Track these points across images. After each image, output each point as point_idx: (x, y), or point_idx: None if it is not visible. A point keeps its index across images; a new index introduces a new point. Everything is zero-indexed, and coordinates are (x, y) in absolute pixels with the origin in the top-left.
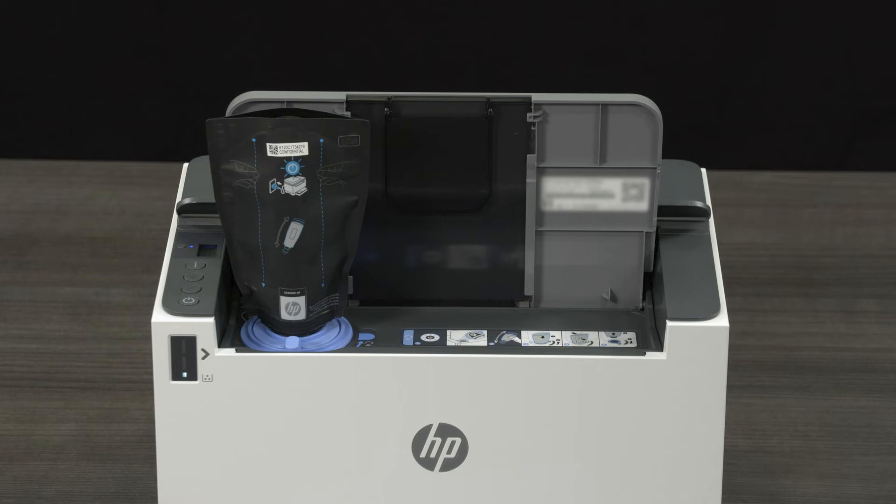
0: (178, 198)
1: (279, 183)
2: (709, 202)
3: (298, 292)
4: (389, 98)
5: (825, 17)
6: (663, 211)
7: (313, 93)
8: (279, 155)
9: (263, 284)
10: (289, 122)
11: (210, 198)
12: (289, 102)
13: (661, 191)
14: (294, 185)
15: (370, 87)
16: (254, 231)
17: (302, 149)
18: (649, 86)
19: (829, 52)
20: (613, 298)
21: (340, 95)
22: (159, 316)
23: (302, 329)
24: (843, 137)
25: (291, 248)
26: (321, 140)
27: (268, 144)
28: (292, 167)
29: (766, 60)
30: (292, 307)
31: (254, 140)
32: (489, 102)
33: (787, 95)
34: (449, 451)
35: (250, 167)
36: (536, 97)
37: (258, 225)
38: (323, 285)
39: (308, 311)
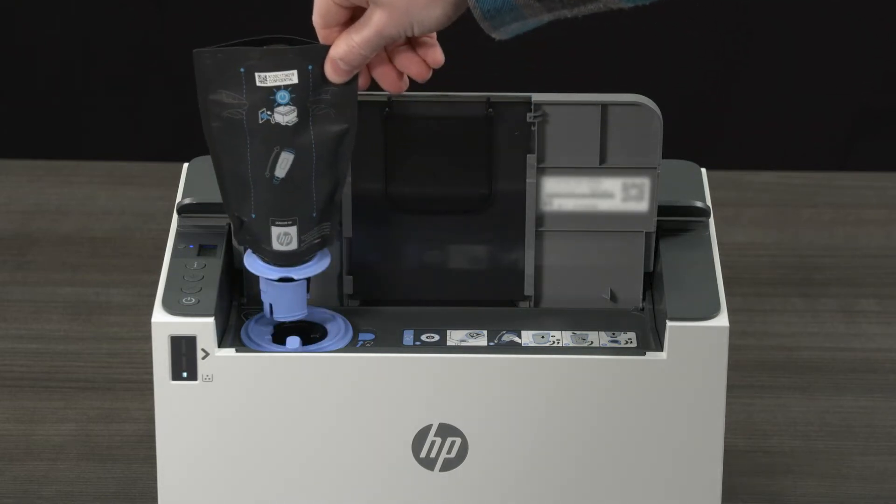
0: (178, 198)
1: (269, 112)
2: (709, 202)
3: (290, 222)
4: (389, 98)
5: (825, 17)
6: (663, 211)
7: None
8: (268, 84)
9: (253, 216)
10: (277, 50)
11: (210, 198)
12: None
13: (661, 191)
14: (284, 115)
15: (371, 87)
16: (244, 162)
17: (291, 77)
18: (649, 86)
19: (829, 53)
20: (613, 298)
21: None
22: (159, 316)
23: (293, 259)
24: (843, 137)
25: (282, 178)
26: (310, 67)
27: (256, 74)
28: (282, 96)
29: (766, 60)
30: (283, 237)
31: (242, 70)
32: (489, 102)
33: (788, 95)
34: (449, 451)
35: (239, 97)
36: (536, 97)
37: (248, 155)
38: (314, 215)
39: (300, 241)
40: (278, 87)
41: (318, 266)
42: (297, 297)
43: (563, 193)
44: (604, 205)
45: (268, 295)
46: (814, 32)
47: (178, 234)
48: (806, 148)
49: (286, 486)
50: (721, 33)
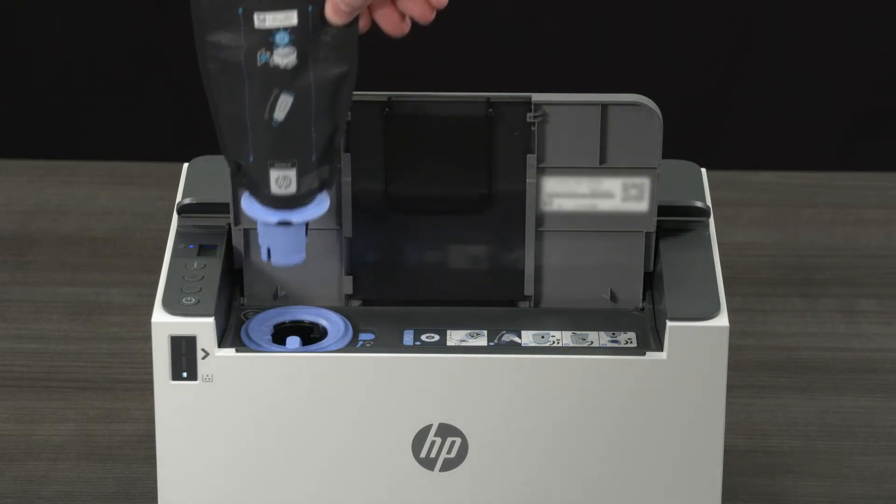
0: (178, 198)
1: (268, 54)
2: (709, 202)
3: (289, 165)
4: (389, 98)
5: (825, 17)
6: (663, 211)
7: None
8: (267, 26)
9: (251, 159)
10: None
11: (211, 198)
12: None
13: (661, 191)
14: (284, 57)
15: (370, 88)
16: (241, 104)
17: (291, 18)
18: (649, 86)
19: (829, 53)
20: (613, 298)
21: None
22: (159, 316)
23: (292, 203)
24: (843, 137)
25: (281, 121)
26: (310, 8)
27: (255, 14)
28: (281, 37)
29: (766, 60)
30: (282, 180)
31: (240, 11)
32: (489, 102)
33: (787, 95)
34: (449, 451)
35: (237, 39)
36: (536, 97)
37: (246, 98)
38: (314, 158)
39: (299, 184)
40: (277, 29)
41: (317, 209)
42: (296, 241)
43: (563, 193)
44: (604, 205)
45: (265, 238)
46: (814, 32)
47: (178, 234)
48: (806, 148)
49: (286, 486)
50: (721, 33)
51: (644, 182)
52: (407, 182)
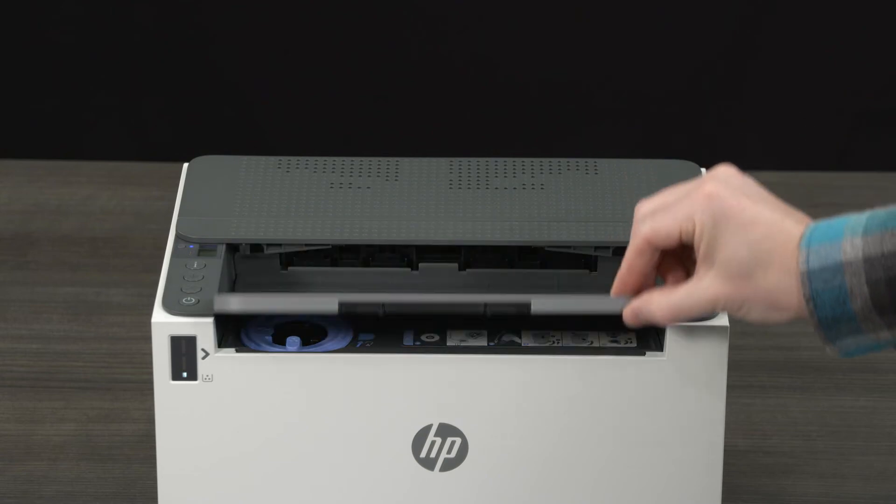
0: (178, 198)
1: None
2: None
3: None
4: (384, 304)
5: (825, 17)
6: None
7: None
8: None
9: None
10: None
11: (211, 198)
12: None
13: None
14: None
15: (370, 96)
16: None
17: None
18: (650, 85)
19: (829, 52)
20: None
21: (333, 302)
22: (159, 316)
23: None
24: (843, 137)
25: None
26: None
27: None
28: None
29: (766, 60)
30: None
31: None
32: (485, 307)
33: (788, 95)
34: (449, 451)
35: None
36: (536, 304)
37: None
38: None
39: None
40: None
41: None
42: None
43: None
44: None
45: None
46: (814, 33)
47: (178, 234)
48: (806, 148)
49: (286, 486)
50: (722, 35)
51: None
52: None
